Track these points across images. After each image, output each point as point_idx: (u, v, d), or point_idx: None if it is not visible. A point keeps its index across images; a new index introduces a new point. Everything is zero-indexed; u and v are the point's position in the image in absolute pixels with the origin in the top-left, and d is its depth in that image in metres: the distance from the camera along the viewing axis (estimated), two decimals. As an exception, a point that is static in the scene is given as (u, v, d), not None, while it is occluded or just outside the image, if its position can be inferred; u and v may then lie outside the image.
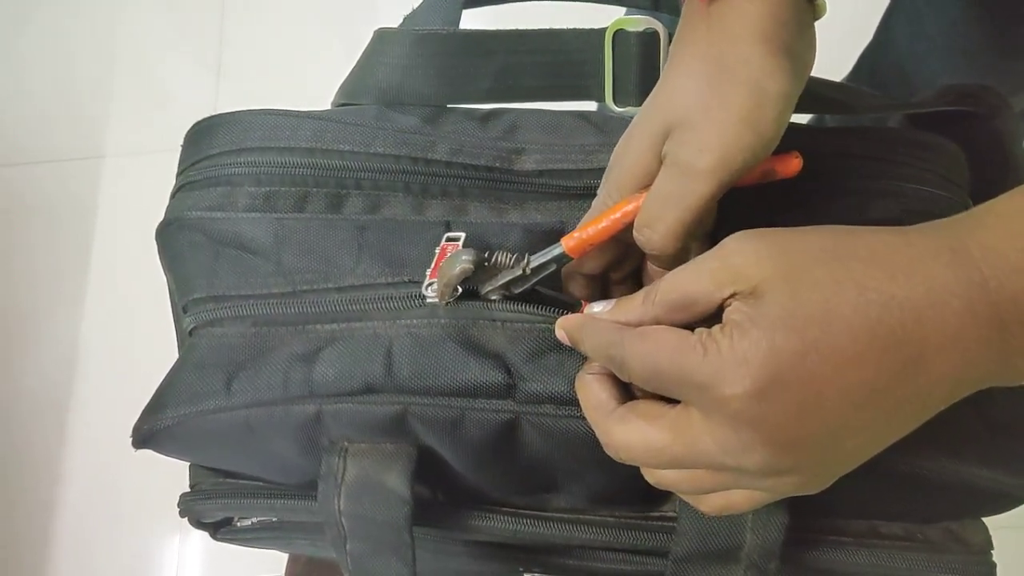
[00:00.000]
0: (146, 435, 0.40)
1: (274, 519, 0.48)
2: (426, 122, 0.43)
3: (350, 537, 0.39)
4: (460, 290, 0.37)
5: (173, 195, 0.45)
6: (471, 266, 0.35)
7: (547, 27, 0.44)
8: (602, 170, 0.37)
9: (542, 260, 0.36)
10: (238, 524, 0.49)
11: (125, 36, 1.35)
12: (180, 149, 0.46)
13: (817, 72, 0.37)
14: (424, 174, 0.42)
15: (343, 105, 0.46)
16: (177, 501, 0.46)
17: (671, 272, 0.30)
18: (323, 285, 0.39)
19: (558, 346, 0.36)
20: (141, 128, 1.28)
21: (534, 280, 0.37)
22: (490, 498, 0.42)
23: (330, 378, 0.37)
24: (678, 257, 0.34)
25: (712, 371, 0.27)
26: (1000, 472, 0.37)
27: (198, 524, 0.48)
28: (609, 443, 0.32)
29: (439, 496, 0.43)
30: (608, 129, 0.42)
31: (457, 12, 0.46)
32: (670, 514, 0.41)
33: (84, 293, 1.20)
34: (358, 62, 0.47)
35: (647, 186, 0.34)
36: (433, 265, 0.38)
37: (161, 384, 0.41)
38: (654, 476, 0.32)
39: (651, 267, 0.37)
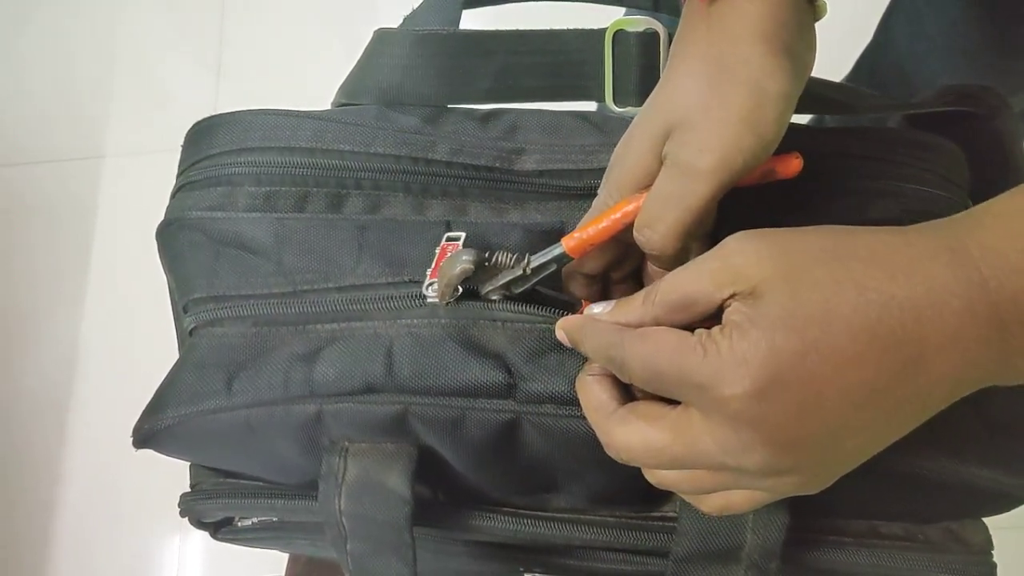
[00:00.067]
0: (147, 435, 0.40)
1: (275, 519, 0.48)
2: (426, 122, 0.43)
3: (351, 537, 0.39)
4: (460, 290, 0.37)
5: (173, 195, 0.45)
6: (471, 266, 0.35)
7: (547, 27, 0.44)
8: (602, 170, 0.37)
9: (542, 260, 0.36)
10: (239, 524, 0.49)
11: (125, 36, 1.35)
12: (180, 149, 0.46)
13: (817, 72, 0.37)
14: (424, 174, 0.42)
15: (343, 105, 0.46)
16: (177, 501, 0.46)
17: (671, 273, 0.30)
18: (323, 285, 0.39)
19: (559, 346, 0.36)
20: (141, 128, 1.28)
21: (534, 280, 0.37)
22: (490, 498, 0.42)
23: (331, 378, 0.37)
24: (678, 257, 0.34)
25: (712, 372, 0.27)
26: (1000, 472, 0.37)
27: (199, 524, 0.48)
28: (610, 444, 0.32)
29: (440, 496, 0.43)
30: (608, 129, 0.42)
31: (457, 12, 0.46)
32: (670, 514, 0.41)
33: (84, 293, 1.20)
34: (358, 62, 0.47)
35: (647, 186, 0.34)
36: (433, 265, 0.38)
37: (161, 384, 0.41)
38: (655, 476, 0.32)
39: (651, 267, 0.37)
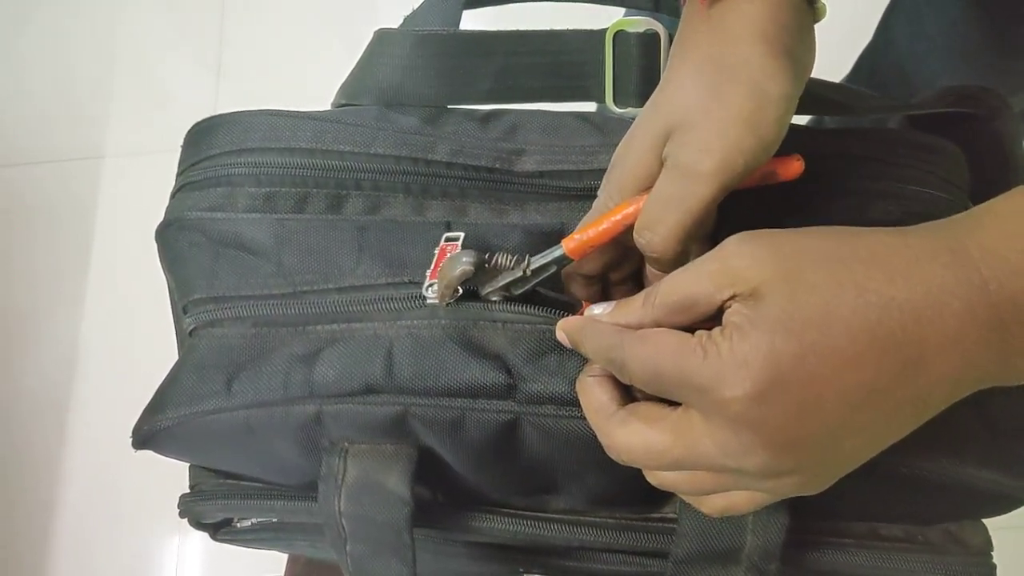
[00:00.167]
0: (146, 436, 0.40)
1: (274, 520, 0.48)
2: (426, 123, 0.43)
3: (350, 538, 0.39)
4: (461, 291, 0.37)
5: (173, 195, 0.45)
6: (471, 268, 0.35)
7: (547, 28, 0.44)
8: (602, 171, 0.37)
9: (543, 262, 0.36)
10: (238, 525, 0.49)
11: (125, 36, 1.35)
12: (180, 149, 0.46)
13: (817, 73, 0.37)
14: (424, 175, 0.42)
15: (343, 106, 0.46)
16: (177, 502, 0.46)
17: (671, 274, 0.30)
18: (323, 286, 0.39)
19: (559, 347, 0.36)
20: (141, 128, 1.28)
21: (534, 281, 0.37)
22: (490, 499, 0.42)
23: (330, 379, 0.37)
24: (678, 261, 0.34)
25: (712, 373, 0.27)
26: (1000, 474, 0.37)
27: (198, 525, 0.48)
28: (610, 445, 0.32)
29: (439, 497, 0.43)
30: (608, 130, 0.42)
31: (457, 13, 0.46)
32: (670, 515, 0.41)
33: (84, 293, 1.20)
34: (358, 63, 0.47)
35: (648, 188, 0.34)
36: (433, 266, 0.38)
37: (161, 385, 0.41)
38: (655, 477, 0.32)
39: (651, 271, 0.37)
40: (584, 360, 0.34)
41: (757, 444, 0.27)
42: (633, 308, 0.31)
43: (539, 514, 0.42)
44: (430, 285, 0.38)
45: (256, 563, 0.93)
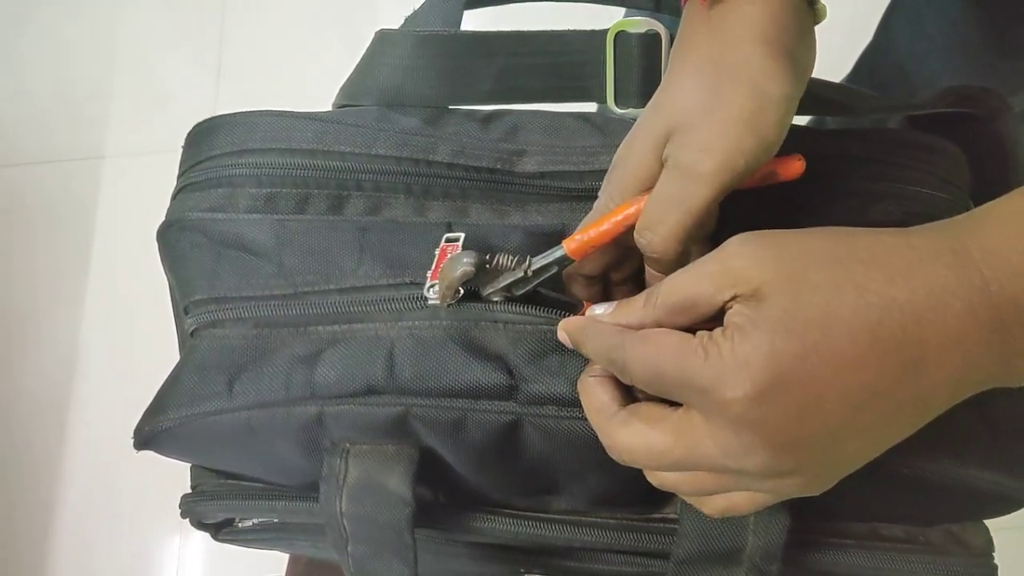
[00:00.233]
0: (147, 436, 0.40)
1: (275, 520, 0.48)
2: (427, 123, 0.43)
3: (352, 539, 0.39)
4: (462, 292, 0.37)
5: (174, 196, 0.45)
6: (472, 269, 0.35)
7: (548, 28, 0.44)
8: (603, 172, 0.37)
9: (543, 262, 0.36)
10: (239, 525, 0.49)
11: (125, 36, 1.35)
12: (181, 150, 0.46)
13: (817, 73, 0.37)
14: (425, 176, 0.42)
15: (344, 106, 0.46)
16: (179, 502, 0.46)
17: (672, 275, 0.30)
18: (324, 287, 0.39)
19: (560, 347, 0.36)
20: (141, 128, 1.28)
21: (535, 282, 0.37)
22: (491, 500, 0.42)
23: (332, 380, 0.37)
24: (679, 262, 0.34)
25: (713, 374, 0.27)
26: (1001, 475, 0.37)
27: (199, 525, 0.48)
28: (611, 446, 0.32)
29: (440, 498, 0.43)
30: (609, 131, 0.42)
31: (458, 13, 0.46)
32: (671, 516, 0.41)
33: (84, 293, 1.20)
34: (359, 63, 0.47)
35: (648, 189, 0.34)
36: (433, 266, 0.38)
37: (163, 386, 0.41)
38: (656, 478, 0.32)
39: (651, 273, 0.37)
40: (585, 361, 0.34)
41: (758, 444, 0.27)
42: (634, 308, 0.31)
43: (540, 515, 0.42)
44: (431, 286, 0.38)
45: (257, 563, 0.93)
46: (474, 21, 0.45)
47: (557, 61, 0.44)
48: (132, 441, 0.41)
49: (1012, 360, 0.27)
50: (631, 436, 0.31)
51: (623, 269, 0.39)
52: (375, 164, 0.42)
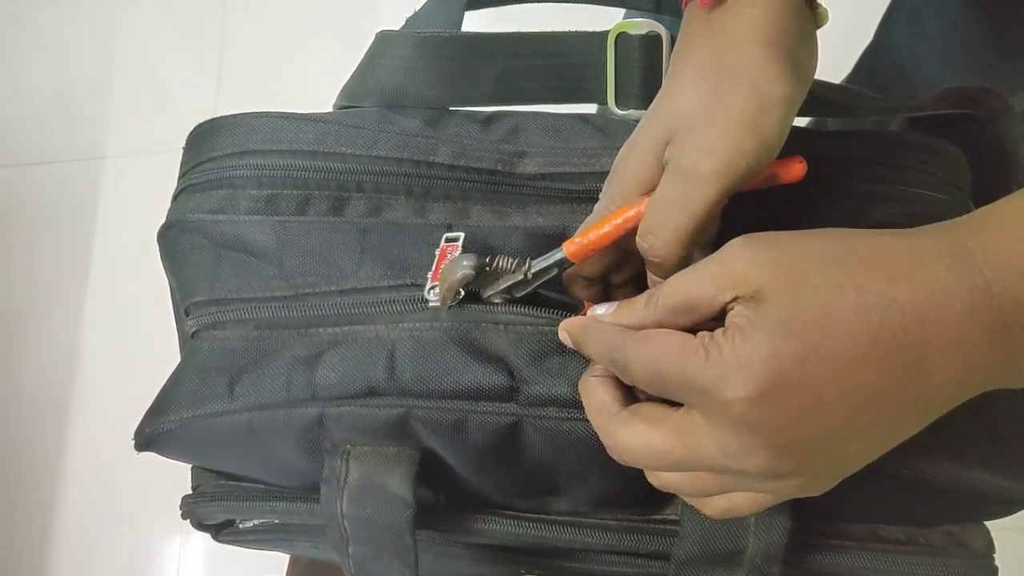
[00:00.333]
0: (148, 438, 0.40)
1: (276, 521, 0.48)
2: (428, 125, 0.43)
3: (352, 540, 0.39)
4: (463, 293, 0.37)
5: (175, 198, 0.45)
6: (472, 272, 0.35)
7: (549, 29, 0.44)
8: (604, 174, 0.37)
9: (543, 265, 0.36)
10: (240, 526, 0.49)
11: (125, 36, 1.35)
12: (181, 150, 0.46)
13: (817, 73, 0.36)
14: (426, 177, 0.42)
15: (345, 107, 0.46)
16: (179, 503, 0.46)
17: (674, 276, 0.30)
18: (325, 288, 0.39)
19: (561, 348, 0.36)
20: (141, 128, 1.28)
21: (536, 284, 0.37)
22: (492, 501, 0.42)
23: (332, 381, 0.37)
24: (680, 267, 0.34)
25: (714, 375, 0.27)
26: (1001, 477, 0.37)
27: (200, 526, 0.48)
28: (612, 446, 0.32)
29: (441, 499, 0.43)
30: (610, 132, 0.42)
31: (459, 14, 0.46)
32: (672, 517, 0.41)
33: (84, 293, 1.20)
34: (360, 64, 0.47)
35: (649, 192, 0.34)
36: (434, 267, 0.38)
37: (163, 387, 0.41)
38: (657, 478, 0.32)
39: (652, 277, 0.37)
40: (586, 363, 0.34)
41: (758, 445, 0.27)
42: (636, 309, 0.31)
43: (541, 516, 0.42)
44: (432, 287, 0.38)
45: (258, 564, 0.93)
46: (474, 22, 0.45)
47: (558, 62, 0.44)
48: (133, 442, 0.41)
49: (1014, 361, 0.27)
50: (632, 436, 0.31)
51: (623, 272, 0.39)
52: (376, 165, 0.42)
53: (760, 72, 0.32)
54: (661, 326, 0.30)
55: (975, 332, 0.26)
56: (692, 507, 0.34)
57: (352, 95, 0.46)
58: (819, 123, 0.80)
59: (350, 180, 0.42)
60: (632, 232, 0.34)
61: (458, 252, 0.38)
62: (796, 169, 0.34)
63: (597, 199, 0.37)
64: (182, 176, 0.45)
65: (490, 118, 0.44)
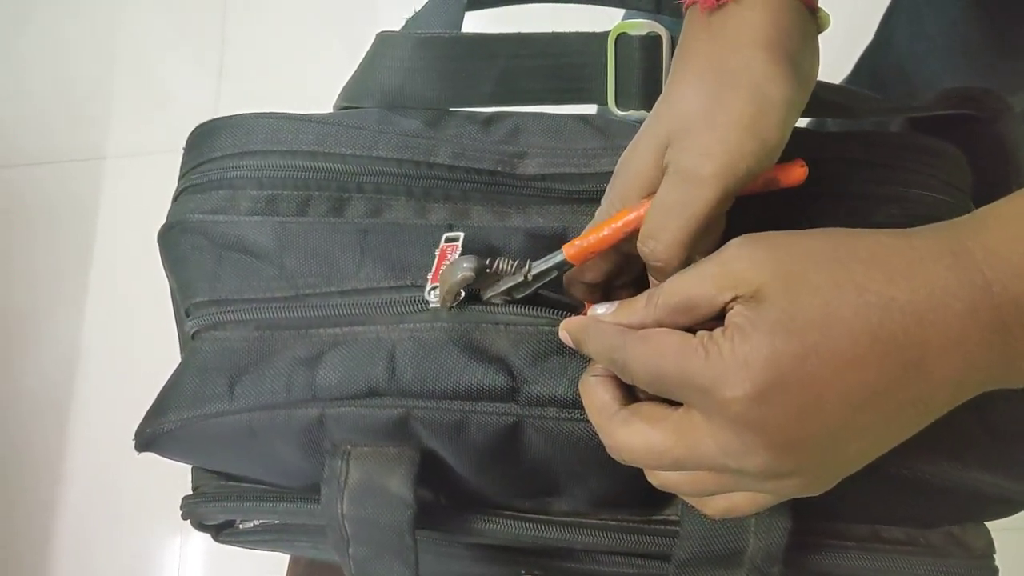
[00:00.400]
0: (149, 439, 0.40)
1: (276, 522, 0.48)
2: (428, 125, 0.43)
3: (353, 540, 0.39)
4: (463, 294, 0.37)
5: (175, 198, 0.45)
6: (472, 274, 0.35)
7: (549, 30, 0.44)
8: (604, 174, 0.37)
9: (543, 267, 0.36)
10: (240, 526, 0.49)
11: (125, 36, 1.35)
12: (181, 151, 0.46)
13: (818, 74, 0.37)
14: (426, 178, 0.42)
15: (345, 108, 0.46)
16: (180, 503, 0.46)
17: (674, 276, 0.30)
18: (326, 289, 0.39)
19: (561, 349, 0.36)
20: (141, 129, 1.28)
21: (536, 286, 0.37)
22: (492, 501, 0.42)
23: (333, 382, 0.37)
24: None
25: (714, 374, 0.27)
26: (1002, 477, 0.37)
27: (200, 526, 0.48)
28: (612, 445, 0.32)
29: (442, 499, 0.43)
30: (610, 133, 0.42)
31: (459, 14, 0.46)
32: (672, 518, 0.41)
33: (84, 293, 1.20)
34: (360, 65, 0.47)
35: (650, 195, 0.34)
36: (434, 268, 0.38)
37: (164, 387, 0.41)
38: (657, 478, 0.32)
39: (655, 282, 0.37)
40: (586, 364, 0.34)
41: (758, 444, 0.27)
42: (636, 308, 0.31)
43: (541, 516, 0.42)
44: (432, 288, 0.38)
45: (258, 564, 0.93)
46: (475, 23, 0.45)
47: (558, 63, 0.44)
48: (133, 443, 0.41)
49: (1014, 361, 0.27)
50: (632, 435, 0.31)
51: (623, 277, 0.39)
52: (376, 166, 0.42)
53: (760, 74, 0.32)
54: (661, 326, 0.30)
55: (975, 332, 0.26)
56: (692, 507, 0.34)
57: (352, 96, 0.46)
58: (819, 124, 0.80)
59: (350, 181, 0.42)
60: (633, 236, 0.34)
61: (458, 253, 0.38)
62: (797, 173, 0.34)
63: (598, 200, 0.37)
64: (182, 177, 0.45)
65: (490, 119, 0.44)
